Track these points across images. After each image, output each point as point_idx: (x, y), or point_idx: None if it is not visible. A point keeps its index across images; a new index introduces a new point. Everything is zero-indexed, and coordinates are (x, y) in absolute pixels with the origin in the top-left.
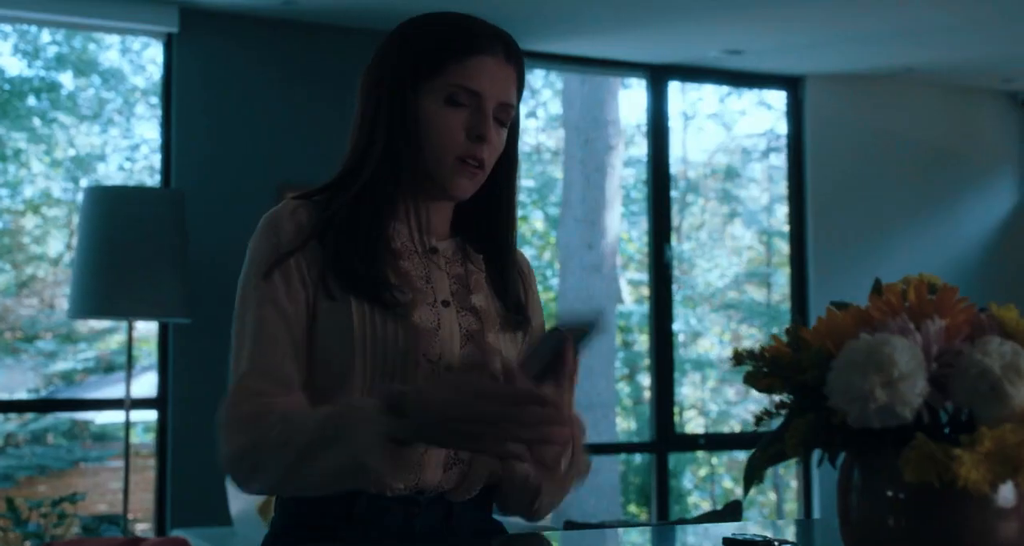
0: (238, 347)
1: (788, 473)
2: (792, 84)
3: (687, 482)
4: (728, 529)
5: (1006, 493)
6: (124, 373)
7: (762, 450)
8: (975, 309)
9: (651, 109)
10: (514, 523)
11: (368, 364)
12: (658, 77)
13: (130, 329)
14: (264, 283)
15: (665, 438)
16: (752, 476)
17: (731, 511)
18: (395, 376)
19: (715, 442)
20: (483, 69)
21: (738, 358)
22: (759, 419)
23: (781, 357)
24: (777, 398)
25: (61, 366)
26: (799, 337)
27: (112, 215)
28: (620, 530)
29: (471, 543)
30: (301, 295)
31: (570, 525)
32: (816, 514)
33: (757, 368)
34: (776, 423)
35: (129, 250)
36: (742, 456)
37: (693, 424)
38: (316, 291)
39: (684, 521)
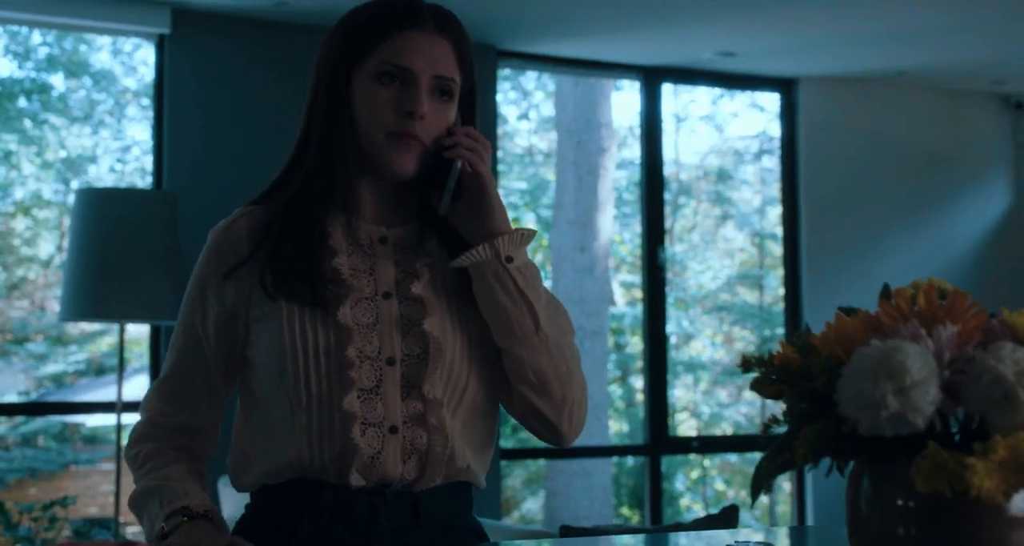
0: (167, 353)
1: (782, 476)
2: (785, 86)
3: (679, 484)
4: (725, 536)
5: (1019, 502)
6: (115, 375)
7: (770, 458)
8: (986, 315)
9: (644, 111)
10: (501, 528)
11: (300, 365)
12: (652, 79)
13: (122, 332)
14: (189, 301)
15: (658, 441)
16: (760, 485)
17: (727, 516)
18: (331, 375)
19: (708, 445)
20: (412, 44)
21: (746, 365)
22: (767, 426)
23: (789, 363)
24: (785, 405)
25: (52, 368)
26: (808, 343)
27: (104, 217)
28: (617, 537)
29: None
30: (222, 312)
31: (566, 530)
32: (810, 517)
33: (765, 375)
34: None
35: (121, 252)
36: (734, 458)
37: (685, 426)
38: (250, 299)
39: (680, 526)
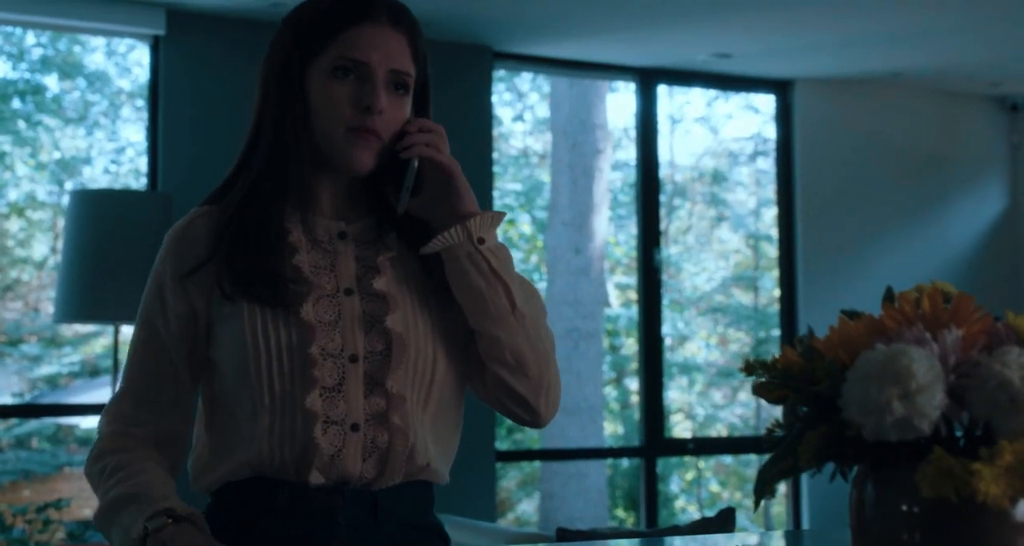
0: (126, 362)
1: None
2: (781, 88)
3: (674, 486)
4: (722, 540)
5: None
6: (109, 377)
7: (772, 464)
8: (991, 318)
9: (640, 112)
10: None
11: (263, 365)
12: (647, 80)
13: (116, 334)
14: (147, 304)
15: (654, 443)
16: (763, 490)
17: (724, 519)
18: (293, 374)
19: (704, 446)
20: (366, 37)
21: (749, 369)
22: (770, 432)
23: (792, 367)
24: (786, 409)
25: (46, 370)
26: (811, 347)
27: (98, 219)
28: (614, 541)
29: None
30: (183, 314)
31: (563, 533)
32: (805, 518)
33: (770, 379)
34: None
35: (116, 254)
36: (729, 460)
37: (680, 428)
38: (210, 299)
39: (677, 529)
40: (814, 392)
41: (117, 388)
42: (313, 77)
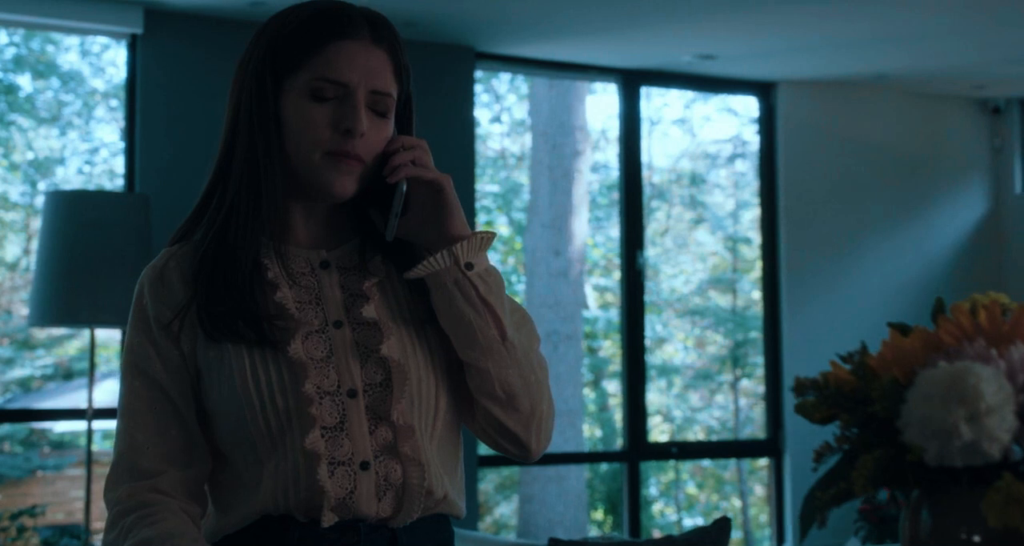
0: (118, 419)
1: (753, 478)
2: (764, 90)
3: (652, 488)
4: None
5: None
6: (82, 379)
7: (822, 488)
8: None
9: (623, 114)
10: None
11: (258, 409)
12: (631, 82)
13: (92, 337)
14: (136, 351)
15: (636, 447)
16: (812, 518)
17: (719, 528)
18: (290, 415)
19: (687, 451)
20: (345, 55)
21: (800, 389)
22: (820, 454)
23: (844, 386)
24: (840, 431)
25: (18, 373)
26: (864, 364)
27: (74, 220)
28: None
29: None
30: (176, 356)
31: (555, 543)
32: (788, 523)
33: (819, 399)
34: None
35: (92, 256)
36: (707, 463)
37: (657, 431)
38: (195, 344)
39: (671, 539)
40: (869, 413)
41: (118, 447)
42: (289, 96)
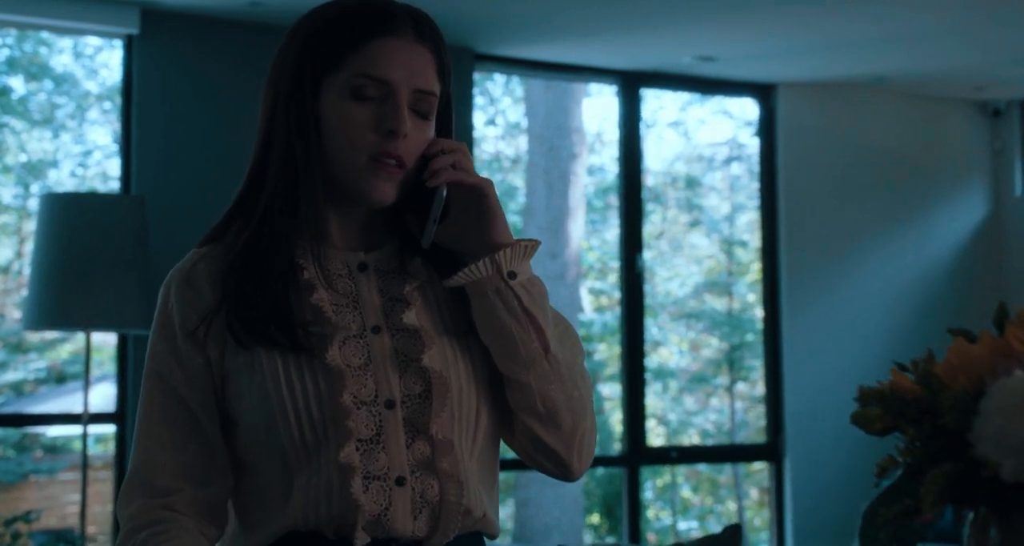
0: (136, 428)
1: (748, 481)
2: (764, 92)
3: (648, 492)
4: None
5: None
6: (76, 383)
7: (886, 504)
8: None
9: (623, 116)
10: None
11: (292, 420)
12: (630, 83)
13: (88, 340)
14: (157, 358)
15: (636, 452)
16: (876, 537)
17: (730, 536)
18: (325, 427)
19: (687, 455)
20: (388, 52)
21: (865, 398)
22: (883, 469)
23: (907, 395)
24: (904, 444)
25: (11, 376)
26: (930, 372)
27: (70, 223)
28: None
29: None
30: (200, 364)
31: None
32: (788, 527)
33: (888, 410)
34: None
35: (87, 258)
36: (703, 467)
37: (653, 434)
38: (223, 351)
39: None
40: (938, 425)
41: (134, 459)
42: (328, 96)
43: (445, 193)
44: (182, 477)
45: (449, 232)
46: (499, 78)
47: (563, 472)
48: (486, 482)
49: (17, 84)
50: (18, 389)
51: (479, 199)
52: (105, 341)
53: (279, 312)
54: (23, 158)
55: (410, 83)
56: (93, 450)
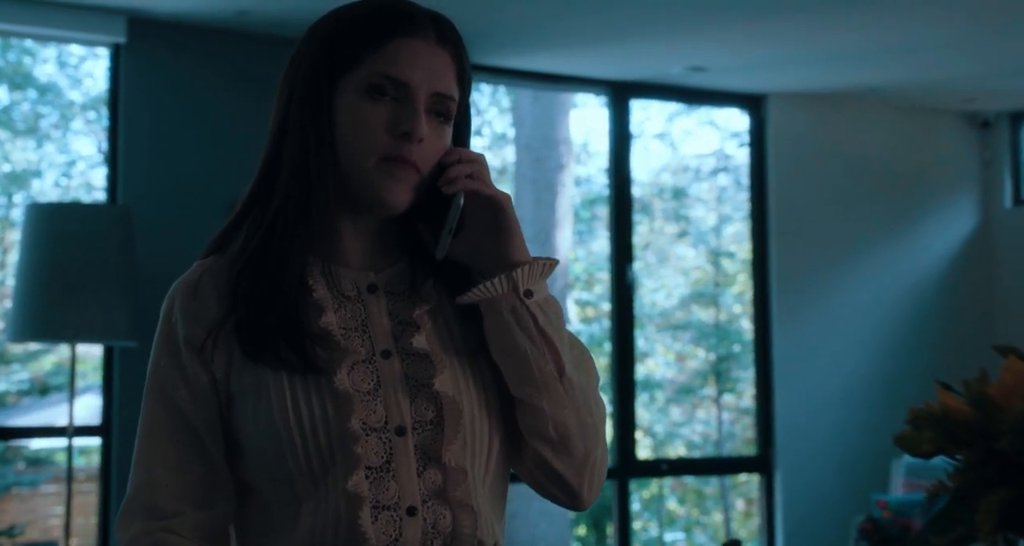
0: (136, 445)
1: (734, 492)
2: (754, 102)
3: (634, 504)
4: None
5: None
6: (59, 395)
7: (939, 531)
8: None
9: (613, 127)
10: None
11: (299, 444)
12: (620, 94)
13: (73, 352)
14: (160, 373)
15: (626, 464)
16: None
17: None
18: (333, 453)
19: (677, 468)
20: (407, 53)
21: (917, 421)
22: (935, 494)
23: (960, 417)
24: (956, 468)
25: None
26: (983, 393)
27: (55, 233)
28: None
29: None
30: (206, 382)
31: None
32: (779, 539)
33: (943, 432)
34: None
35: (72, 270)
36: (690, 480)
37: (639, 446)
38: (229, 369)
39: None
40: (993, 449)
41: (134, 479)
42: (343, 96)
43: (462, 202)
44: (184, 499)
45: (462, 246)
46: (486, 88)
47: (572, 501)
48: (497, 510)
49: (1, 94)
50: (0, 401)
51: (496, 213)
52: (90, 353)
53: (289, 332)
54: (7, 168)
55: (429, 86)
56: (76, 461)
